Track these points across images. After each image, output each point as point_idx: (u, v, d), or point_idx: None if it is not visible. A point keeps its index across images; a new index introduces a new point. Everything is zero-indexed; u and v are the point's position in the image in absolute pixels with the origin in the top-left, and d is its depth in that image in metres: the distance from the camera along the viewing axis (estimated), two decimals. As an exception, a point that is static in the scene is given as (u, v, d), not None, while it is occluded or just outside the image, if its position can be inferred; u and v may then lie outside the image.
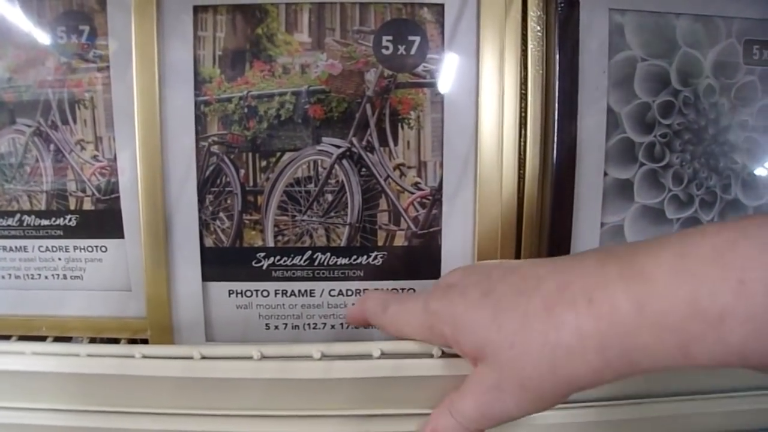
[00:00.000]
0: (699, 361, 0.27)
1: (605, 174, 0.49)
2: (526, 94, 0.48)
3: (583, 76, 0.48)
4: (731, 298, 0.25)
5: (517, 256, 0.49)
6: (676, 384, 0.43)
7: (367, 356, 0.38)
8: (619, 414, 0.42)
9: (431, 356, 0.38)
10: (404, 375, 0.38)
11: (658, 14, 0.49)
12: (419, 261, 0.48)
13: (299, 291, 0.49)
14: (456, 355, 0.37)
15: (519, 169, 0.48)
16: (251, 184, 0.48)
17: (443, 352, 0.38)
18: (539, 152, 0.48)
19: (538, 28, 0.48)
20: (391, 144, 0.47)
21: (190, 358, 0.38)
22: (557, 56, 0.47)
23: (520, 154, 0.48)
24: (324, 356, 0.38)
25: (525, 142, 0.48)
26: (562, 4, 0.47)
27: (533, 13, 0.47)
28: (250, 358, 0.38)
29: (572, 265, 0.31)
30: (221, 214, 0.48)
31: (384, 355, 0.38)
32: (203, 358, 0.38)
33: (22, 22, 0.49)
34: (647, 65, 0.49)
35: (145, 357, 0.39)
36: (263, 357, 0.38)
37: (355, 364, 0.38)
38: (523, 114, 0.48)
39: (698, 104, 0.50)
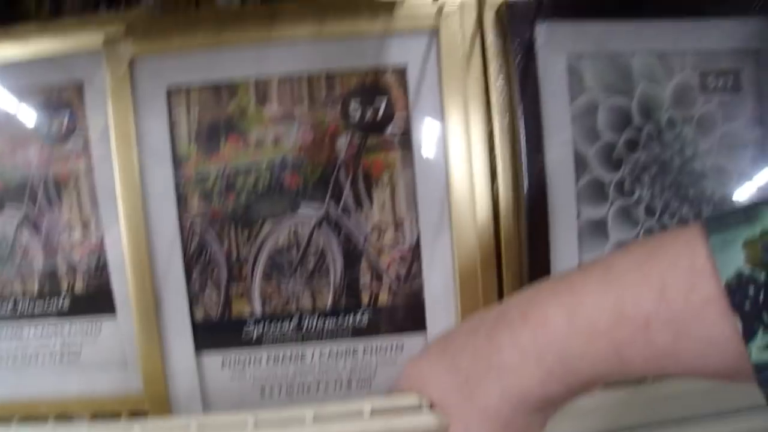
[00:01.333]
0: (635, 365, 0.29)
1: (578, 215, 0.51)
2: (493, 145, 0.49)
3: (547, 122, 0.50)
4: (653, 304, 0.27)
5: (500, 299, 0.50)
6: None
7: (359, 414, 0.39)
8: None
9: (421, 411, 0.39)
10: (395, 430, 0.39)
11: (614, 55, 0.51)
12: (405, 315, 0.50)
13: (290, 356, 0.50)
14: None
15: (494, 217, 0.50)
16: (235, 255, 0.50)
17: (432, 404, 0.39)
18: (512, 199, 0.50)
19: (500, 79, 0.49)
20: (367, 205, 0.49)
21: (187, 429, 0.40)
22: (520, 105, 0.49)
23: (493, 203, 0.50)
24: (317, 418, 0.39)
25: (497, 191, 0.50)
26: (520, 55, 0.49)
27: (493, 65, 0.49)
28: (245, 426, 0.39)
29: (513, 298, 0.34)
30: (209, 287, 0.50)
31: (374, 412, 0.39)
32: (200, 427, 0.40)
33: (4, 111, 0.51)
34: (609, 105, 0.51)
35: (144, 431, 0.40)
36: (257, 425, 0.39)
37: (348, 425, 0.39)
38: (492, 164, 0.49)
39: (662, 137, 0.52)
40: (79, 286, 0.52)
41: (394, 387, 0.39)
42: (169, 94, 0.49)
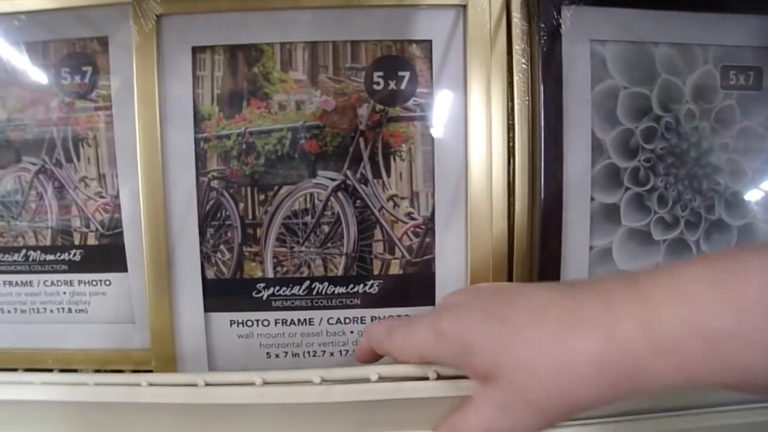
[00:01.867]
0: (701, 379, 0.28)
1: (592, 199, 0.51)
2: (513, 125, 0.50)
3: (567, 106, 0.50)
4: (732, 322, 0.27)
5: (509, 279, 0.50)
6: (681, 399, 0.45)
7: (365, 380, 0.40)
8: (623, 429, 0.44)
9: (427, 378, 0.39)
10: (402, 397, 0.39)
11: (637, 43, 0.51)
12: (414, 288, 0.50)
13: (299, 320, 0.51)
14: (451, 377, 0.39)
15: (508, 196, 0.50)
16: (250, 217, 0.50)
17: (438, 375, 0.39)
18: (527, 179, 0.50)
19: (523, 60, 0.50)
20: (384, 176, 0.49)
21: (195, 385, 0.40)
22: (542, 87, 0.49)
23: (509, 181, 0.50)
24: (324, 381, 0.40)
25: (513, 170, 0.50)
26: (545, 37, 0.49)
27: (518, 46, 0.50)
28: (253, 384, 0.40)
29: (582, 292, 0.32)
30: (222, 247, 0.50)
31: (381, 379, 0.40)
32: (207, 384, 0.40)
33: (26, 64, 0.51)
34: (629, 93, 0.51)
35: (151, 384, 0.40)
36: (265, 383, 0.40)
37: (354, 387, 0.39)
38: (511, 144, 0.50)
39: (679, 129, 0.52)
40: (92, 241, 0.53)
41: (418, 342, 0.38)
42: (194, 54, 0.49)
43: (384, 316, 0.51)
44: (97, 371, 0.53)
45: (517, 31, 0.50)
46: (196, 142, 0.49)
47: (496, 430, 0.34)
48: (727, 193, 0.53)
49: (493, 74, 0.49)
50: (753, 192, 0.54)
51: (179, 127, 0.49)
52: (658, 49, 0.51)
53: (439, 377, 0.39)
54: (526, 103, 0.50)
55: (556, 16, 0.49)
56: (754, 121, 0.53)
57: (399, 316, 0.51)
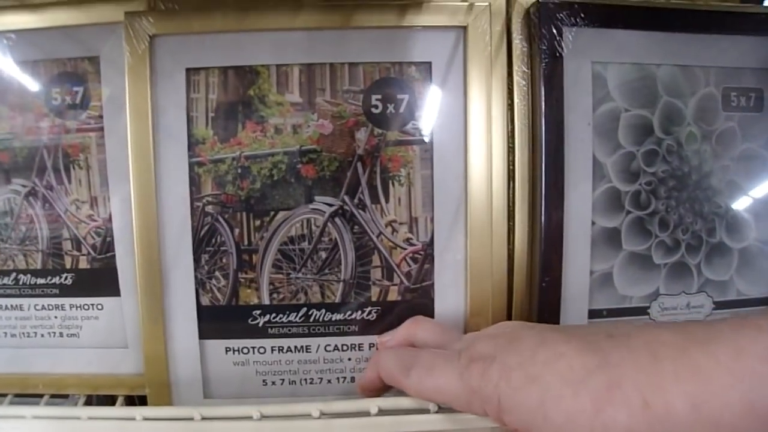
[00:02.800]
0: None
1: (593, 223, 0.50)
2: (513, 148, 0.49)
3: (568, 129, 0.49)
4: None
5: (509, 305, 0.50)
6: None
7: (365, 413, 0.39)
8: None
9: (428, 411, 0.39)
10: (403, 431, 0.38)
11: (639, 65, 0.50)
12: (413, 314, 0.49)
13: (295, 347, 0.50)
14: (452, 410, 0.38)
15: (509, 220, 0.49)
16: (246, 243, 0.49)
17: (439, 407, 0.39)
18: (527, 203, 0.50)
19: (524, 82, 0.49)
20: (383, 201, 0.48)
21: (191, 419, 0.39)
22: (543, 110, 0.48)
23: (509, 205, 0.49)
24: (323, 414, 0.39)
25: (513, 194, 0.49)
26: (546, 60, 0.48)
27: (518, 68, 0.49)
28: (250, 418, 0.39)
29: (622, 358, 0.31)
30: (217, 273, 0.49)
31: (381, 412, 0.39)
32: (203, 419, 0.39)
33: (16, 83, 0.50)
34: (630, 115, 0.50)
35: (146, 419, 0.39)
36: (263, 417, 0.39)
37: (354, 421, 0.39)
38: (511, 167, 0.49)
39: (681, 151, 0.51)
40: (84, 264, 0.52)
41: (444, 390, 0.37)
42: (188, 76, 0.48)
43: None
44: (89, 397, 0.52)
45: (517, 53, 0.49)
46: (191, 166, 0.48)
47: None
48: (728, 215, 0.53)
49: (494, 96, 0.48)
50: (754, 214, 0.53)
51: (173, 151, 0.48)
52: (660, 71, 0.51)
53: (440, 410, 0.38)
54: (527, 126, 0.49)
55: (557, 38, 0.48)
56: (755, 143, 0.52)
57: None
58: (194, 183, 0.48)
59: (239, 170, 0.48)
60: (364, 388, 0.42)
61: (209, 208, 0.48)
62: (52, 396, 0.52)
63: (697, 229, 0.52)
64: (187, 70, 0.48)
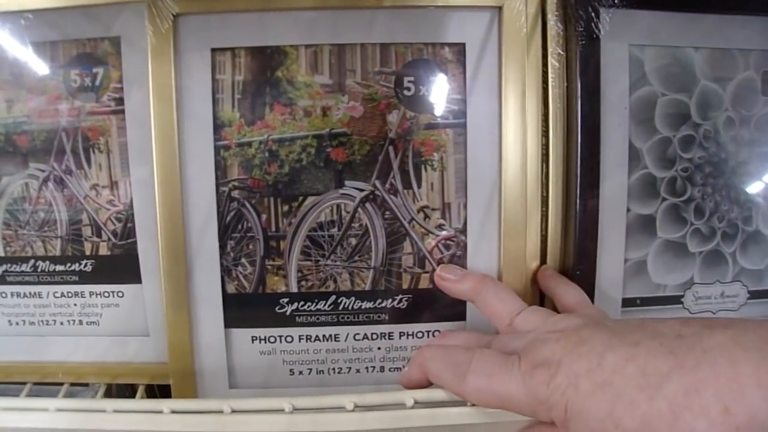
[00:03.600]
0: None
1: (628, 210, 0.49)
2: (547, 132, 0.47)
3: (604, 113, 0.47)
4: None
5: (542, 294, 0.48)
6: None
7: (401, 405, 0.38)
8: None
9: (465, 404, 0.37)
10: (438, 424, 0.37)
11: (677, 48, 0.49)
12: (445, 303, 0.48)
13: (324, 336, 0.48)
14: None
15: (542, 206, 0.48)
16: (273, 229, 0.47)
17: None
18: (562, 189, 0.48)
19: (558, 65, 0.47)
20: (415, 186, 0.47)
21: (220, 412, 0.38)
22: (579, 93, 0.47)
23: (543, 191, 0.48)
24: (357, 407, 0.37)
25: (548, 179, 0.48)
26: (583, 42, 0.46)
27: (553, 50, 0.47)
28: (282, 410, 0.37)
29: (698, 361, 0.29)
30: (243, 260, 0.47)
31: (417, 404, 0.38)
32: (233, 411, 0.38)
33: (35, 65, 0.48)
34: (667, 100, 0.49)
35: (173, 412, 0.38)
36: (295, 409, 0.37)
37: (389, 414, 0.37)
38: (545, 151, 0.48)
39: (718, 137, 0.50)
40: (104, 251, 0.50)
41: (505, 398, 0.35)
42: (213, 56, 0.46)
43: (414, 332, 0.48)
44: (109, 385, 0.51)
45: (552, 35, 0.47)
46: (216, 149, 0.46)
47: None
48: (766, 204, 0.51)
49: (528, 79, 0.47)
50: None
51: (198, 134, 0.47)
52: (698, 54, 0.49)
53: None
54: (562, 110, 0.47)
55: (594, 20, 0.46)
56: None
57: (429, 332, 0.48)
58: (220, 167, 0.46)
59: (267, 154, 0.47)
60: (405, 386, 0.41)
61: (235, 194, 0.47)
62: (72, 384, 0.51)
63: (733, 217, 0.51)
64: (213, 50, 0.46)
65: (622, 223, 0.49)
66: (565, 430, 0.33)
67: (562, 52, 0.47)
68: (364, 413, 0.38)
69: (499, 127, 0.46)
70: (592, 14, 0.46)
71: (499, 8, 0.46)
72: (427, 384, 0.39)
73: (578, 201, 0.47)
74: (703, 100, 0.49)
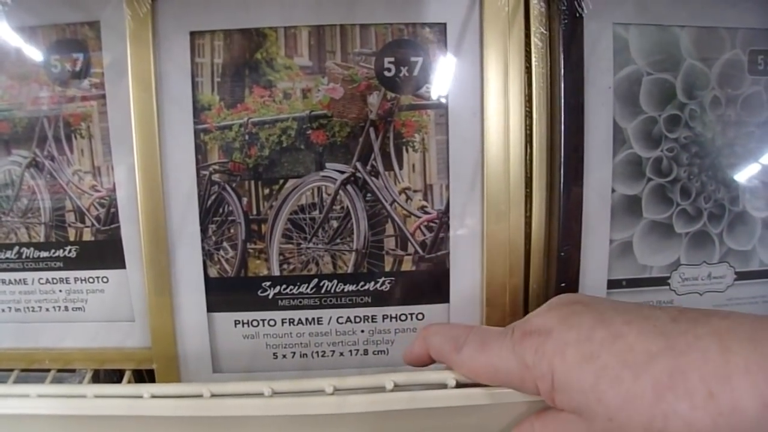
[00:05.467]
0: None
1: (613, 190, 0.48)
2: (531, 112, 0.47)
3: (588, 92, 0.46)
4: None
5: (526, 276, 0.48)
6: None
7: (381, 389, 0.37)
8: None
9: (446, 387, 0.37)
10: (419, 407, 0.36)
11: (661, 27, 0.48)
12: (428, 285, 0.47)
13: (306, 319, 0.48)
14: (471, 385, 0.36)
15: (526, 187, 0.47)
16: (254, 212, 0.47)
17: (458, 383, 0.36)
18: (546, 170, 0.47)
19: (541, 44, 0.46)
20: (396, 168, 0.46)
21: (200, 396, 0.37)
22: (562, 73, 0.46)
23: (526, 172, 0.47)
24: (336, 390, 0.37)
25: (531, 160, 0.47)
26: (566, 21, 0.45)
27: (536, 29, 0.46)
28: (261, 394, 0.37)
29: (689, 345, 0.28)
30: (225, 244, 0.47)
31: (397, 387, 0.37)
32: (213, 396, 0.37)
33: (14, 51, 0.47)
34: (652, 79, 0.48)
35: (153, 396, 0.37)
36: (274, 393, 0.37)
37: (369, 397, 0.36)
38: (528, 132, 0.47)
39: (704, 117, 0.49)
40: (88, 237, 0.49)
41: (496, 366, 0.34)
42: (193, 40, 0.46)
43: (397, 315, 0.48)
44: (96, 371, 0.51)
45: (535, 14, 0.46)
46: (196, 133, 0.46)
47: None
48: (752, 183, 0.50)
49: (511, 59, 0.46)
50: None
51: (178, 118, 0.46)
52: (683, 33, 0.48)
53: (458, 385, 0.36)
54: (545, 89, 0.46)
55: None
56: None
57: (412, 314, 0.48)
58: (200, 151, 0.46)
59: (247, 137, 0.46)
60: (409, 362, 0.40)
61: (216, 177, 0.46)
62: (59, 371, 0.50)
63: (719, 198, 0.50)
64: (191, 33, 0.46)
65: (607, 203, 0.48)
66: (551, 402, 0.32)
67: (545, 31, 0.46)
68: (344, 396, 0.37)
69: (481, 107, 0.46)
70: (576, -8, 0.45)
71: (481, -13, 0.45)
72: (429, 361, 0.39)
73: (562, 182, 0.47)
74: (689, 79, 0.48)
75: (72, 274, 0.50)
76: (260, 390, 0.37)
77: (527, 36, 0.46)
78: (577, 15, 0.46)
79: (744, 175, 0.50)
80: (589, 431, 0.31)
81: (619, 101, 0.47)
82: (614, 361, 0.30)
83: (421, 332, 0.39)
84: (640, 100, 0.48)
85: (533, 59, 0.46)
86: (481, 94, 0.46)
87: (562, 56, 0.46)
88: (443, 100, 0.46)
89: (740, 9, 0.48)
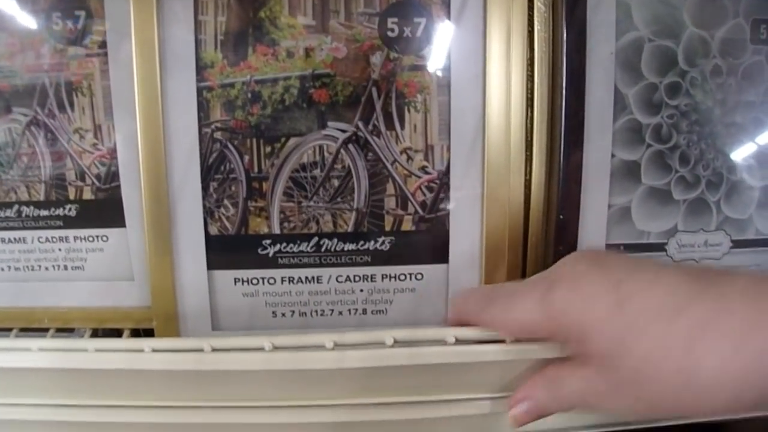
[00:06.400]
0: None
1: (612, 155, 0.48)
2: (532, 76, 0.47)
3: (590, 57, 0.46)
4: None
5: (525, 239, 0.48)
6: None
7: (381, 344, 0.37)
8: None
9: (445, 343, 0.37)
10: (419, 363, 0.36)
11: (665, -8, 0.48)
12: (427, 245, 0.48)
13: (306, 278, 0.48)
14: (472, 341, 0.36)
15: (526, 150, 0.47)
16: (256, 170, 0.47)
17: (457, 339, 0.36)
18: (546, 133, 0.47)
19: (544, 8, 0.46)
20: (398, 127, 0.46)
21: (200, 350, 0.37)
22: (564, 37, 0.46)
23: (527, 135, 0.47)
24: (336, 345, 0.37)
25: (532, 123, 0.47)
26: (568, -16, 0.45)
27: (540, -8, 0.46)
28: (261, 349, 0.37)
29: (721, 294, 0.29)
30: (226, 202, 0.47)
31: (397, 343, 0.37)
32: (213, 350, 0.37)
33: (15, 8, 0.47)
34: (654, 46, 0.48)
35: (154, 351, 0.37)
36: (274, 348, 0.37)
37: (369, 353, 0.36)
38: (529, 95, 0.47)
39: (705, 85, 0.49)
40: (88, 195, 0.49)
41: (525, 316, 0.34)
42: (196, -3, 0.45)
43: (396, 275, 0.48)
44: (95, 330, 0.51)
45: (539, -24, 0.46)
46: (198, 91, 0.46)
47: (591, 404, 0.32)
48: (751, 153, 0.50)
49: (514, 22, 0.46)
50: None
51: (180, 76, 0.46)
52: (687, 0, 0.48)
53: (458, 341, 0.36)
54: (547, 53, 0.46)
55: None
56: None
57: (411, 274, 0.48)
58: (202, 109, 0.46)
59: (249, 95, 0.46)
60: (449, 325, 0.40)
61: (218, 135, 0.46)
62: (58, 330, 0.50)
63: (718, 166, 0.50)
64: (195, -10, 0.45)
65: (606, 168, 0.48)
66: (578, 352, 0.32)
67: None
68: (343, 351, 0.37)
69: (483, 70, 0.46)
70: (579, -45, 0.45)
71: (485, -52, 0.45)
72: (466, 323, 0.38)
73: (562, 146, 0.47)
74: (691, 46, 0.48)
75: (71, 232, 0.50)
76: (261, 345, 0.37)
77: (530, 0, 0.46)
78: (580, -21, 0.45)
79: (743, 144, 0.50)
80: (614, 380, 0.31)
81: (620, 67, 0.47)
82: (645, 308, 0.30)
83: (452, 302, 0.39)
84: (642, 66, 0.48)
85: (536, 23, 0.46)
86: (483, 56, 0.46)
87: (564, 21, 0.46)
88: (446, 62, 0.46)
89: (744, -22, 0.48)
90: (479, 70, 0.46)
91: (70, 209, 0.50)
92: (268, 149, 0.46)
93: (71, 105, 0.48)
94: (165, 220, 0.46)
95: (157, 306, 0.47)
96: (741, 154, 0.50)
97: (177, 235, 0.47)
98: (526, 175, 0.47)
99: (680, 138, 0.49)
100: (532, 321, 0.33)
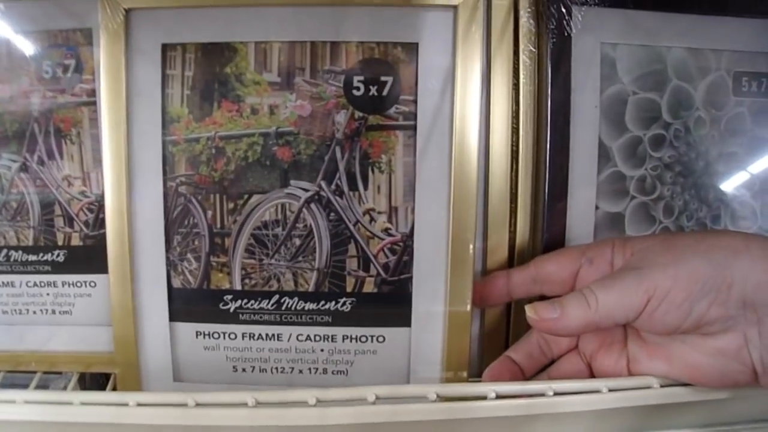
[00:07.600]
0: None
1: (597, 207, 0.40)
2: (517, 129, 0.39)
3: (574, 110, 0.38)
4: None
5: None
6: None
7: (363, 401, 0.31)
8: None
9: (426, 400, 0.31)
10: (401, 420, 0.31)
11: (648, 47, 0.39)
12: (389, 308, 0.39)
13: (267, 335, 0.39)
14: (453, 399, 0.31)
15: (511, 202, 0.39)
16: (219, 226, 0.39)
17: (438, 396, 0.31)
18: (531, 187, 0.39)
19: (530, 62, 0.38)
20: (361, 188, 0.37)
21: (185, 405, 0.31)
22: (549, 91, 0.38)
23: (512, 189, 0.39)
24: (319, 402, 0.31)
25: (516, 176, 0.39)
26: (554, 39, 0.37)
27: (525, 47, 0.38)
28: (245, 404, 0.31)
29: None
30: (189, 255, 0.39)
31: (379, 400, 0.31)
32: (197, 405, 0.31)
33: (6, 55, 0.40)
34: (638, 98, 0.39)
35: (139, 405, 0.31)
36: (258, 403, 0.31)
37: (351, 410, 0.31)
38: (514, 148, 0.39)
39: (689, 137, 0.40)
40: (76, 241, 0.42)
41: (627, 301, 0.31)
42: (164, 52, 0.38)
43: (357, 336, 0.39)
44: (82, 374, 0.43)
45: (524, 32, 0.38)
46: (164, 144, 0.38)
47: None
48: (734, 203, 0.41)
49: (498, 76, 0.37)
50: (761, 202, 0.42)
51: (147, 129, 0.38)
52: (671, 54, 0.39)
53: (439, 398, 0.31)
54: (532, 107, 0.38)
55: (566, 17, 0.37)
56: (764, 129, 0.41)
57: (372, 336, 0.39)
58: (168, 162, 0.38)
59: (213, 151, 0.38)
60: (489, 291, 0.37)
61: (182, 189, 0.38)
62: (45, 373, 0.43)
63: (701, 216, 0.41)
64: (164, 45, 0.37)
65: (590, 221, 0.40)
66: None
67: (534, 49, 0.38)
68: (326, 408, 0.31)
69: (451, 130, 0.36)
70: (564, 12, 0.37)
71: (455, 7, 0.36)
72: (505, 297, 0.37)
73: (547, 198, 0.38)
74: (675, 99, 0.39)
75: (60, 277, 0.43)
76: (244, 400, 0.31)
77: (516, 53, 0.38)
78: (566, 34, 0.37)
79: (726, 194, 0.42)
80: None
81: (605, 119, 0.39)
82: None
83: (557, 316, 0.32)
84: (626, 119, 0.39)
85: (521, 76, 0.38)
86: (451, 116, 0.37)
87: (549, 74, 0.38)
88: (412, 122, 0.37)
89: (726, 30, 0.39)
90: (446, 129, 0.37)
91: (58, 255, 0.42)
92: (231, 205, 0.38)
93: (60, 152, 0.41)
94: (128, 270, 0.39)
95: (120, 354, 0.40)
96: (724, 204, 0.42)
97: (140, 286, 0.39)
98: (510, 228, 0.39)
99: (664, 189, 0.40)
100: (638, 307, 0.31)
